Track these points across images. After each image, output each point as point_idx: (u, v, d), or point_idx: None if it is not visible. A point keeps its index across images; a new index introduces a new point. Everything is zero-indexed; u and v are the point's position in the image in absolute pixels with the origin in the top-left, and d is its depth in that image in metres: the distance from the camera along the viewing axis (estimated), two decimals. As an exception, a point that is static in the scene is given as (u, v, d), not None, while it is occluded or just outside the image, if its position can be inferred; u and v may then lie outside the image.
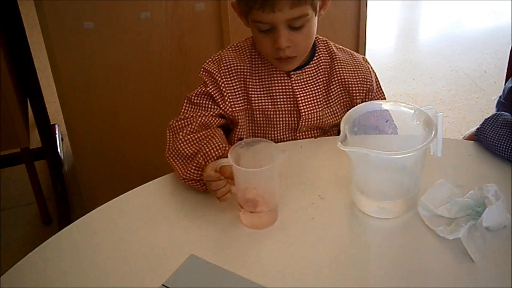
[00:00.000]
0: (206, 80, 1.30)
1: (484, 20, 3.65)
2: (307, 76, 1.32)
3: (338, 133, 1.37)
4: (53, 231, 2.08)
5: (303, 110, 1.31)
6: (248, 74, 1.30)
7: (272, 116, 1.32)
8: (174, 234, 1.10)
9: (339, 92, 1.34)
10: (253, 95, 1.30)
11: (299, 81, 1.31)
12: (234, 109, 1.29)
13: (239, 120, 1.30)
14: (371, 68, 1.38)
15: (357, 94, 1.33)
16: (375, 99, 1.37)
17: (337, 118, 1.34)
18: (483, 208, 1.06)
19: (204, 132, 1.22)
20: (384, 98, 1.41)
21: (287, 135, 1.34)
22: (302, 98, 1.31)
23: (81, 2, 1.71)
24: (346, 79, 1.33)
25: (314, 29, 1.25)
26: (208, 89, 1.28)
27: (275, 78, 1.30)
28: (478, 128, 1.28)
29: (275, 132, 1.33)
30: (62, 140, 2.54)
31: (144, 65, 1.88)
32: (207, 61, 1.32)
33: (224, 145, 1.16)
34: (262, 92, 1.31)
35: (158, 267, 1.02)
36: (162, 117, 1.96)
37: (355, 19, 2.04)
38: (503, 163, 1.22)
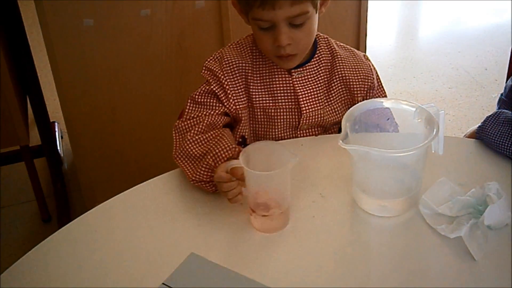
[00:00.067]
0: (208, 78, 1.29)
1: (485, 17, 3.65)
2: (308, 73, 1.31)
3: (339, 131, 1.36)
4: (52, 229, 2.08)
5: (304, 108, 1.30)
6: (250, 71, 1.30)
7: (273, 114, 1.31)
8: (174, 233, 1.09)
9: (340, 90, 1.34)
10: (254, 93, 1.30)
11: (300, 78, 1.30)
12: (237, 106, 1.29)
13: (242, 118, 1.30)
14: (372, 65, 1.37)
15: (358, 92, 1.33)
16: (376, 97, 1.36)
17: (338, 116, 1.34)
18: (485, 207, 1.05)
19: (212, 132, 1.21)
20: (385, 96, 1.41)
21: (288, 133, 1.34)
22: (303, 95, 1.30)
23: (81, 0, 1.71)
24: (347, 77, 1.32)
25: (314, 26, 1.25)
26: (211, 87, 1.28)
27: (276, 76, 1.30)
28: (479, 126, 1.28)
29: (276, 130, 1.33)
30: (62, 137, 2.54)
31: (144, 63, 1.87)
32: (209, 59, 1.31)
33: (233, 146, 1.15)
34: (263, 90, 1.30)
35: (158, 265, 1.02)
36: (162, 115, 1.96)
37: (355, 16, 2.04)
38: (504, 161, 1.22)
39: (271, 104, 1.31)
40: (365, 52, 1.91)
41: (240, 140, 1.32)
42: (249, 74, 1.30)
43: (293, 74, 1.30)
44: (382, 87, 1.40)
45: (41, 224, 2.17)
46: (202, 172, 1.15)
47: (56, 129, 2.51)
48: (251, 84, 1.30)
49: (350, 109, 1.12)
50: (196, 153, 1.18)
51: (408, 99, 1.41)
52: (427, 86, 2.94)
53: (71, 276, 1.01)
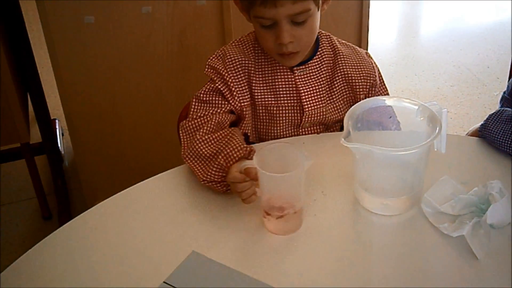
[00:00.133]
0: (212, 76, 1.29)
1: (487, 15, 3.64)
2: (310, 71, 1.31)
3: (341, 129, 1.36)
4: (53, 226, 2.09)
5: (306, 106, 1.30)
6: (252, 69, 1.29)
7: (275, 112, 1.31)
8: (175, 231, 1.09)
9: (343, 88, 1.33)
10: (256, 91, 1.29)
11: (302, 76, 1.30)
12: (242, 104, 1.28)
13: (246, 116, 1.29)
14: (374, 63, 1.37)
15: (361, 90, 1.32)
16: (379, 95, 1.36)
17: (340, 113, 1.33)
18: (488, 205, 1.05)
19: (221, 132, 1.20)
20: (387, 94, 1.40)
21: (290, 131, 1.33)
22: (305, 93, 1.30)
23: (82, -3, 1.71)
24: (349, 74, 1.32)
25: (316, 24, 1.24)
26: (216, 85, 1.27)
27: (279, 73, 1.29)
28: (482, 124, 1.27)
29: (278, 128, 1.32)
30: (63, 135, 2.54)
31: (145, 60, 1.87)
32: (211, 58, 1.31)
33: (245, 145, 1.14)
34: (265, 88, 1.30)
35: (160, 263, 1.01)
36: (163, 112, 1.96)
37: (357, 14, 2.04)
38: (507, 159, 1.21)
39: (273, 102, 1.30)
40: (366, 50, 1.90)
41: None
42: (252, 72, 1.29)
43: (295, 71, 1.30)
44: (384, 84, 1.39)
45: (42, 221, 2.17)
46: (213, 172, 1.14)
47: (57, 127, 2.51)
48: (254, 81, 1.29)
49: (353, 107, 1.12)
50: (206, 153, 1.17)
51: (410, 97, 1.40)
52: (429, 84, 2.93)
53: (72, 274, 1.01)
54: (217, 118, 1.23)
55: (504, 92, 1.56)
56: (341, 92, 1.33)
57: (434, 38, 3.44)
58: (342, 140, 1.02)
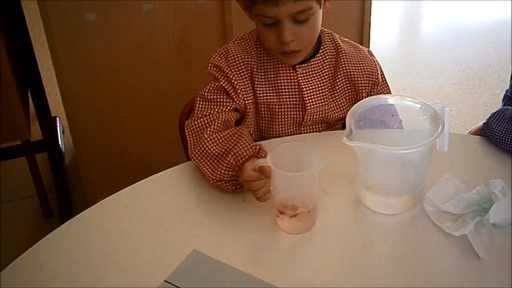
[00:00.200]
0: (216, 75, 1.28)
1: (488, 13, 3.63)
2: (312, 69, 1.30)
3: (343, 127, 1.36)
4: (53, 224, 2.09)
5: (308, 104, 1.29)
6: (255, 67, 1.29)
7: (277, 110, 1.30)
8: (176, 229, 1.09)
9: (345, 86, 1.33)
10: (258, 88, 1.29)
11: (304, 74, 1.29)
12: (246, 101, 1.28)
13: (249, 113, 1.29)
14: (376, 61, 1.36)
15: (363, 88, 1.32)
16: (381, 93, 1.36)
17: (343, 111, 1.33)
18: (490, 204, 1.04)
19: (229, 130, 1.20)
20: (389, 92, 1.39)
21: (292, 129, 1.33)
22: (308, 91, 1.29)
23: (83, -6, 1.70)
24: (351, 72, 1.32)
25: (318, 22, 1.24)
26: (221, 83, 1.26)
27: (281, 71, 1.29)
28: (484, 123, 1.27)
29: (280, 126, 1.32)
30: (63, 132, 2.54)
31: (146, 58, 1.87)
32: (214, 56, 1.30)
33: (254, 144, 1.14)
34: (267, 85, 1.29)
35: (160, 263, 1.01)
36: (164, 110, 1.96)
37: (359, 12, 2.03)
38: (510, 158, 1.21)
39: (275, 100, 1.30)
40: (368, 48, 1.90)
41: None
42: (254, 70, 1.29)
43: (298, 69, 1.29)
44: (386, 83, 1.39)
45: (42, 219, 2.17)
46: (223, 171, 1.13)
47: (58, 124, 2.51)
48: (256, 79, 1.29)
49: (355, 105, 1.11)
50: (215, 152, 1.16)
51: (411, 95, 1.40)
52: (430, 82, 2.93)
53: (73, 272, 1.00)
54: (223, 117, 1.23)
55: (507, 91, 1.55)
56: (343, 90, 1.33)
57: (435, 36, 3.44)
58: (344, 138, 1.02)
